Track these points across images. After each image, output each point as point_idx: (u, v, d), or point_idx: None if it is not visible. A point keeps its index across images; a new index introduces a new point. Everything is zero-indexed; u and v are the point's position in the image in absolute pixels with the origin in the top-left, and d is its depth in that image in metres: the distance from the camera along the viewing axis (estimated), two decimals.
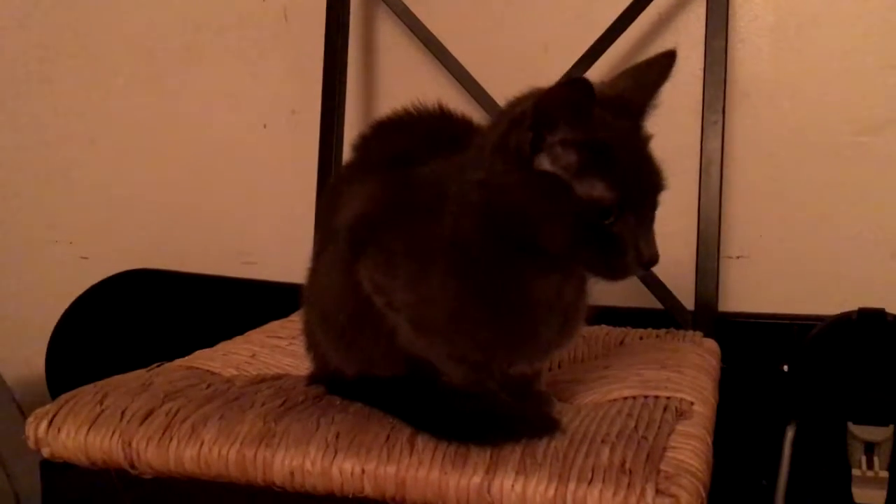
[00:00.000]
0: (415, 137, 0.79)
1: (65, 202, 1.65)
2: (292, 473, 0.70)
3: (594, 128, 0.63)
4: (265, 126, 1.51)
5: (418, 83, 1.38)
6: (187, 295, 1.55)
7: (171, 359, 0.98)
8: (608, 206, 0.63)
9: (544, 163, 0.64)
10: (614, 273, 0.66)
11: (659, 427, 0.72)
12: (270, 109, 1.50)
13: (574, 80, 0.60)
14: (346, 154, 1.08)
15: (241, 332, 1.13)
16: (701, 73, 1.18)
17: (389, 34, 1.40)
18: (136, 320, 1.56)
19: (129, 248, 1.61)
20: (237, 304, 1.52)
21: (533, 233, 0.65)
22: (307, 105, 1.38)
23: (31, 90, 1.63)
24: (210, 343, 1.07)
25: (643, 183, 0.65)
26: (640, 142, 0.67)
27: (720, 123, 1.14)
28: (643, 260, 0.64)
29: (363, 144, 0.85)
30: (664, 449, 0.68)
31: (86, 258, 1.65)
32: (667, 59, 0.70)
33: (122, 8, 1.56)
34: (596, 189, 0.63)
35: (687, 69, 1.22)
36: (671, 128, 1.21)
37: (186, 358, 0.98)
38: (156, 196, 1.60)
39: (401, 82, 1.42)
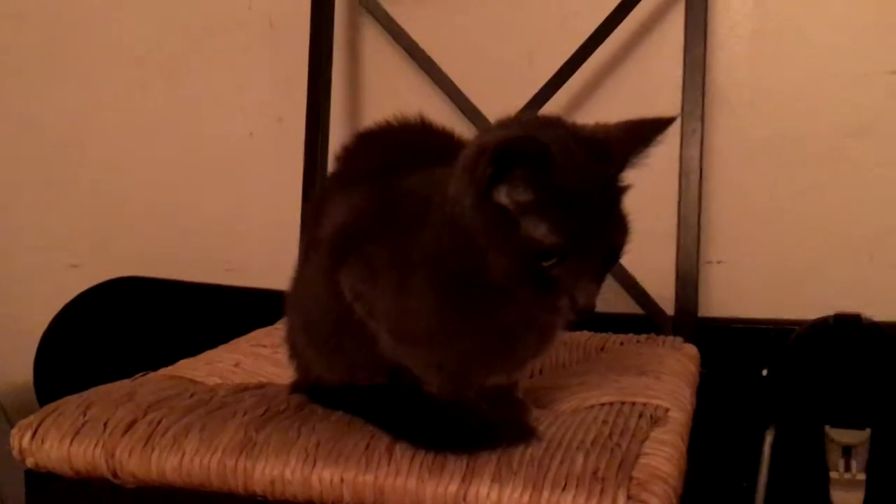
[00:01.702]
0: (396, 150, 0.80)
1: (54, 210, 1.66)
2: (273, 482, 0.72)
3: (556, 171, 0.62)
4: (251, 134, 1.53)
5: (402, 91, 1.39)
6: (175, 302, 1.56)
7: (159, 365, 0.99)
8: (549, 248, 0.63)
9: (501, 195, 0.64)
10: (546, 313, 0.67)
11: (633, 434, 0.73)
12: (257, 117, 1.52)
13: (531, 141, 0.61)
14: (332, 163, 1.10)
15: (228, 339, 1.14)
16: (681, 81, 1.20)
17: (373, 43, 1.42)
18: (124, 327, 1.57)
19: (119, 256, 1.62)
20: (224, 310, 1.53)
21: (479, 258, 0.65)
22: (293, 113, 1.39)
23: (21, 98, 1.65)
24: (198, 349, 1.08)
25: (594, 232, 0.63)
26: (604, 191, 0.64)
27: (699, 132, 1.16)
28: (576, 307, 0.63)
29: (346, 156, 0.86)
30: (637, 456, 0.69)
31: (75, 266, 1.66)
32: (664, 122, 0.68)
33: (111, 17, 1.58)
34: (539, 230, 0.62)
35: (667, 77, 1.23)
36: None
37: (170, 367, 0.99)
38: (144, 204, 1.61)
39: (385, 91, 1.43)
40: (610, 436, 0.73)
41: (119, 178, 1.62)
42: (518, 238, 0.63)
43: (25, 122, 1.65)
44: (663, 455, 0.70)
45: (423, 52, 1.30)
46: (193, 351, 1.07)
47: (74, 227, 1.66)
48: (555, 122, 0.69)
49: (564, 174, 0.63)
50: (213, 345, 1.10)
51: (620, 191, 0.67)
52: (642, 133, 0.67)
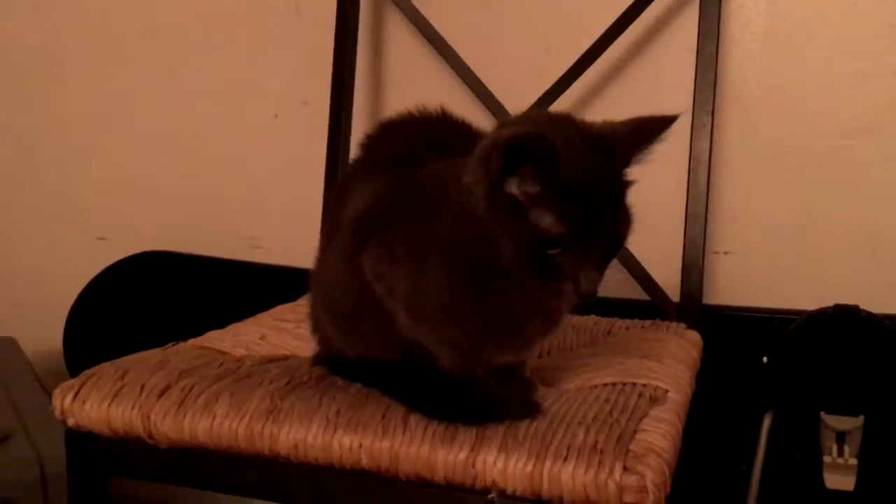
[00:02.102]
0: (417, 139, 0.85)
1: (82, 185, 1.72)
2: (296, 446, 0.77)
3: (561, 165, 0.67)
4: (276, 116, 1.57)
5: (424, 80, 1.44)
6: (200, 277, 1.62)
7: (184, 338, 1.04)
8: (554, 237, 0.67)
9: (512, 186, 0.69)
10: (551, 297, 0.71)
11: (632, 412, 0.78)
12: (282, 100, 1.56)
13: (539, 137, 0.66)
14: (354, 146, 1.15)
15: (250, 314, 1.18)
16: (693, 77, 1.23)
17: (397, 32, 1.46)
18: (150, 300, 1.63)
19: (145, 230, 1.67)
20: (247, 286, 1.58)
21: (491, 245, 0.70)
22: (317, 96, 1.43)
23: (49, 75, 1.70)
24: (221, 323, 1.12)
25: (597, 224, 0.67)
26: (607, 185, 0.69)
27: (709, 126, 1.20)
28: (580, 291, 0.68)
29: (369, 143, 0.90)
30: (635, 431, 0.74)
31: (103, 239, 1.72)
32: (667, 120, 0.72)
33: (140, 2, 1.62)
34: (546, 220, 0.67)
35: (680, 72, 1.27)
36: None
37: (199, 338, 1.04)
38: (170, 181, 1.66)
39: (407, 78, 1.47)
40: (610, 413, 0.78)
41: (147, 157, 1.67)
42: (527, 227, 0.68)
43: (54, 100, 1.70)
44: (659, 432, 0.75)
45: (445, 42, 1.34)
46: (217, 325, 1.12)
47: (103, 202, 1.71)
48: (564, 120, 0.74)
49: (570, 168, 0.67)
50: (236, 319, 1.15)
51: (624, 185, 0.71)
52: (646, 130, 0.71)
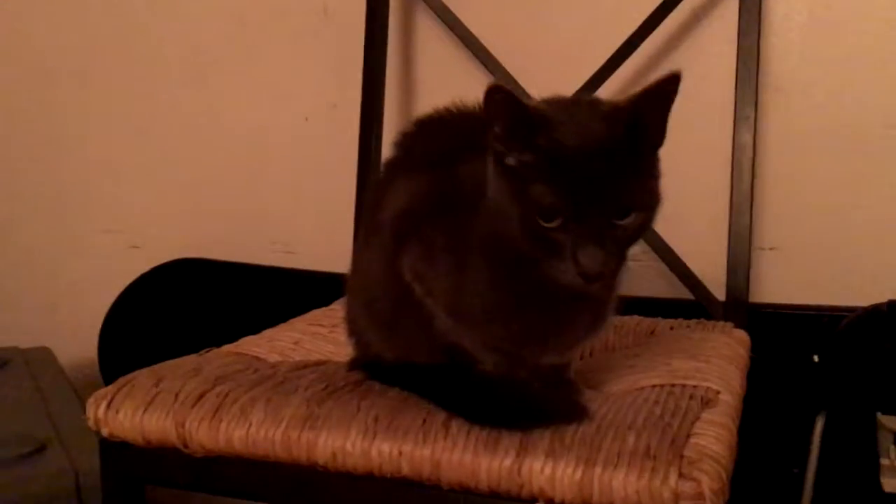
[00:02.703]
0: (455, 136, 0.82)
1: (115, 193, 1.71)
2: (334, 454, 0.75)
3: (554, 131, 0.65)
4: (307, 119, 1.55)
5: (456, 78, 1.41)
6: (233, 283, 1.60)
7: (218, 344, 1.02)
8: (547, 209, 0.65)
9: (511, 159, 0.67)
10: (557, 278, 0.67)
11: (684, 415, 0.75)
12: (312, 103, 1.54)
13: (490, 87, 0.64)
14: (386, 148, 1.13)
15: (283, 319, 1.17)
16: (734, 70, 1.20)
17: (428, 30, 1.43)
18: (184, 307, 1.62)
19: (178, 237, 1.66)
20: (280, 292, 1.57)
21: (501, 227, 0.68)
22: (347, 99, 1.41)
23: (80, 82, 1.69)
24: (255, 329, 1.11)
25: (596, 196, 0.64)
26: (613, 155, 0.65)
27: (752, 118, 1.16)
28: (579, 269, 0.64)
29: (404, 142, 0.88)
30: (688, 435, 0.71)
31: (136, 247, 1.71)
32: (672, 79, 0.66)
33: (167, 4, 1.61)
34: (538, 190, 0.65)
35: (721, 65, 1.23)
36: (704, 121, 1.24)
37: (234, 344, 1.03)
38: (202, 187, 1.65)
39: (439, 77, 1.45)
40: (661, 416, 0.74)
41: (179, 161, 1.66)
42: (526, 200, 0.66)
43: (84, 109, 1.70)
44: (714, 435, 0.71)
45: (476, 39, 1.32)
46: (252, 331, 1.10)
47: (136, 209, 1.70)
48: (581, 99, 0.73)
49: (564, 136, 0.65)
50: (271, 325, 1.13)
51: (639, 157, 0.67)
52: (651, 94, 0.66)
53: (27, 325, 1.73)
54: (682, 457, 0.67)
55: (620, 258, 0.68)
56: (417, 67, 1.46)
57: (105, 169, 1.72)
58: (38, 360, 1.54)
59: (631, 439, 0.69)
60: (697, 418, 0.75)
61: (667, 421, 0.73)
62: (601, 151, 0.65)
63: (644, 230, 0.69)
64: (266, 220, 1.62)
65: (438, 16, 1.35)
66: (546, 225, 0.65)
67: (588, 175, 0.64)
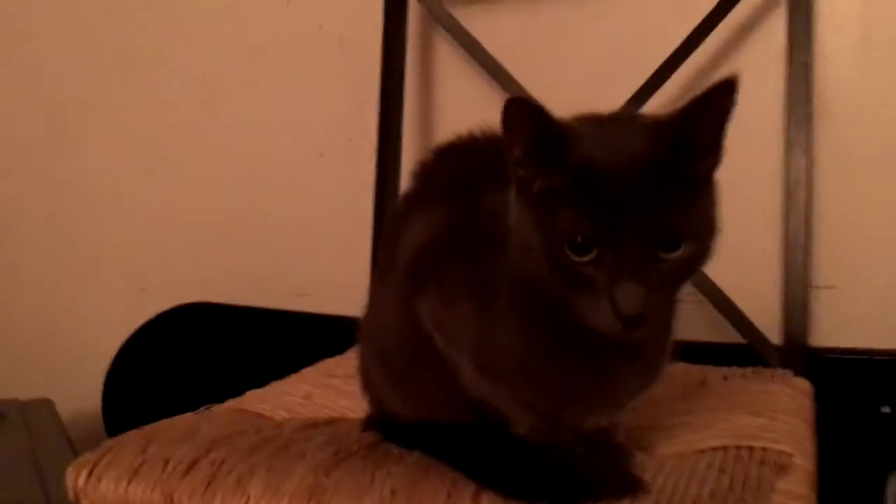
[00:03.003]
0: (479, 164, 0.73)
1: (120, 234, 1.65)
2: None
3: (583, 151, 0.56)
4: (321, 155, 1.48)
5: (478, 108, 1.32)
6: (244, 328, 1.53)
7: (230, 393, 0.95)
8: (574, 236, 0.55)
9: (535, 185, 0.58)
10: (591, 324, 0.57)
11: (758, 486, 0.64)
12: (326, 138, 1.47)
13: (509, 100, 0.57)
14: (404, 182, 1.04)
15: (299, 366, 1.10)
16: (781, 91, 1.11)
17: (448, 58, 1.35)
18: (192, 355, 1.54)
19: (186, 279, 1.59)
20: (294, 336, 1.48)
21: (526, 265, 0.59)
22: (363, 133, 1.34)
23: (87, 122, 1.64)
24: (269, 378, 1.03)
25: (631, 220, 0.54)
26: (651, 176, 0.55)
27: (804, 144, 1.06)
28: (617, 311, 0.54)
29: (423, 172, 0.80)
30: None
31: (143, 290, 1.64)
32: (724, 86, 0.56)
33: (178, 36, 1.56)
34: (564, 216, 0.56)
35: (766, 86, 1.14)
36: (751, 149, 1.14)
37: (237, 399, 0.94)
38: (212, 227, 1.58)
39: (460, 108, 1.36)
40: (730, 488, 0.63)
41: (187, 200, 1.59)
42: (552, 230, 0.56)
43: (90, 146, 1.65)
44: None
45: (498, 65, 1.23)
46: (263, 378, 1.03)
47: (142, 250, 1.64)
48: (606, 114, 0.62)
49: (597, 153, 0.56)
50: (283, 372, 1.06)
51: (688, 177, 0.57)
52: (702, 104, 0.56)
53: (28, 374, 1.66)
54: None
55: (668, 298, 0.58)
56: (437, 97, 1.38)
57: (110, 208, 1.65)
58: (38, 414, 1.47)
59: None
60: (773, 489, 0.64)
61: (738, 494, 0.62)
62: (641, 170, 0.55)
63: (698, 265, 0.58)
64: (279, 261, 1.54)
65: (458, 41, 1.26)
66: (577, 259, 0.55)
67: (625, 197, 0.55)
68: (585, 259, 0.55)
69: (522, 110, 0.56)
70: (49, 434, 1.37)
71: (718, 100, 0.56)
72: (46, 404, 1.50)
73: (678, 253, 0.56)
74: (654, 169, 0.55)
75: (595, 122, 0.60)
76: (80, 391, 1.59)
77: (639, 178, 0.55)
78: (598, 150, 0.56)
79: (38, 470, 1.19)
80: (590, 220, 0.55)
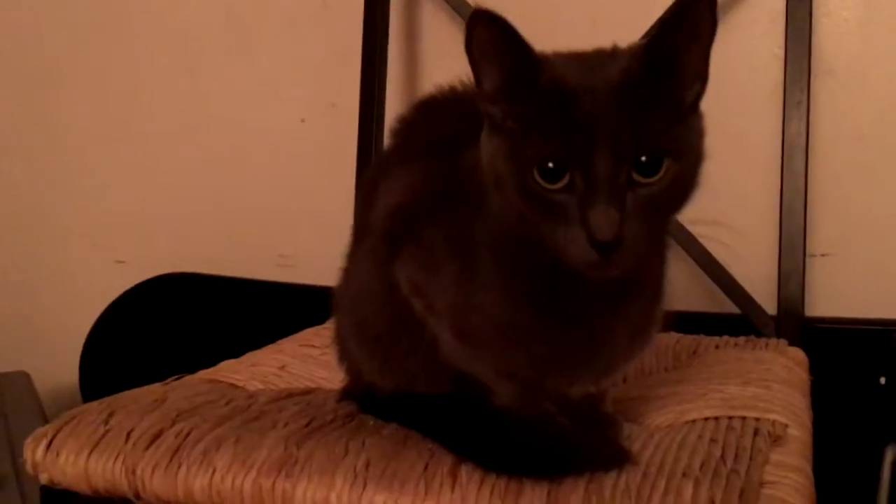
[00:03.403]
0: (461, 118, 0.69)
1: (99, 205, 1.60)
2: None
3: (560, 74, 0.53)
4: (303, 121, 1.44)
5: (465, 72, 1.26)
6: (224, 298, 1.49)
7: (209, 366, 0.91)
8: (550, 163, 0.52)
9: (508, 122, 0.55)
10: (565, 255, 0.53)
11: (751, 457, 0.61)
12: (309, 103, 1.43)
13: (474, 14, 0.53)
14: (388, 138, 1.00)
15: (279, 337, 1.06)
16: (780, 51, 1.07)
17: (433, 20, 1.31)
18: (172, 326, 1.51)
19: (165, 250, 1.55)
20: (277, 308, 1.45)
21: (498, 204, 0.56)
22: (347, 98, 1.30)
23: (63, 88, 1.59)
24: (248, 348, 1.00)
25: (602, 142, 0.51)
26: (626, 95, 0.52)
27: (805, 104, 1.02)
28: (592, 236, 0.51)
29: (403, 128, 0.75)
30: (760, 484, 0.57)
31: (121, 262, 1.59)
32: (702, 5, 0.53)
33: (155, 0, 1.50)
34: (533, 141, 0.53)
35: (765, 46, 1.10)
36: (748, 111, 1.10)
37: (210, 370, 0.90)
38: (191, 197, 1.54)
39: (445, 69, 1.29)
40: (722, 459, 0.60)
41: (165, 170, 1.55)
42: (522, 157, 0.53)
43: (69, 117, 1.60)
44: (791, 484, 0.57)
45: None
46: (244, 350, 1.00)
47: (120, 221, 1.59)
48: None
49: (569, 75, 0.53)
50: (265, 343, 1.03)
51: (664, 100, 0.53)
52: (675, 20, 0.53)
53: (4, 347, 1.61)
54: None
55: (649, 227, 0.53)
56: (422, 59, 1.34)
57: (86, 177, 1.60)
58: (13, 387, 1.43)
59: (688, 491, 0.55)
60: (767, 461, 0.61)
61: (730, 465, 0.59)
62: (615, 89, 0.52)
63: (680, 194, 0.54)
64: (261, 230, 1.50)
65: (444, 1, 1.21)
66: (549, 186, 0.52)
67: (596, 115, 0.51)
68: (557, 186, 0.52)
69: (489, 27, 0.53)
70: (24, 408, 1.34)
71: (695, 12, 0.53)
72: (22, 377, 1.47)
73: (657, 176, 0.52)
74: (628, 88, 0.52)
75: (570, 54, 0.57)
76: (57, 364, 1.56)
77: (611, 97, 0.52)
78: (571, 72, 0.54)
79: (10, 444, 1.16)
80: (560, 141, 0.52)
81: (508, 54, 0.54)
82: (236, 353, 0.99)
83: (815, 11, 1.08)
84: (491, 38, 0.54)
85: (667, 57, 0.53)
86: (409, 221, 0.66)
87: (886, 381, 1.02)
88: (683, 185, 0.54)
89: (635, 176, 0.52)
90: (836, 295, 1.13)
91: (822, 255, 1.14)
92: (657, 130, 0.52)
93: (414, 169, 0.68)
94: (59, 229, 1.62)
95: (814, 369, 0.93)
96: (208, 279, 1.50)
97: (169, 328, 1.50)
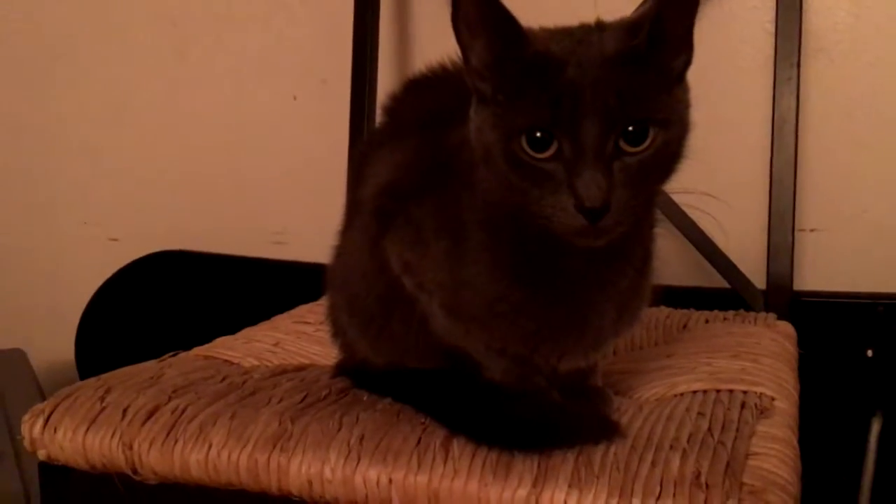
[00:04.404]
0: (451, 95, 0.69)
1: (91, 183, 1.59)
2: (310, 482, 0.62)
3: (547, 45, 0.54)
4: (295, 97, 1.43)
5: (455, 44, 1.27)
6: (218, 276, 1.49)
7: (203, 342, 0.92)
8: (537, 131, 0.52)
9: (497, 96, 0.55)
10: (553, 224, 0.54)
11: (737, 429, 0.62)
12: (300, 79, 1.42)
13: None
14: (379, 116, 1.00)
15: (273, 314, 1.07)
16: (771, 26, 1.07)
17: None
18: (166, 303, 1.51)
19: (159, 228, 1.54)
20: (271, 285, 1.45)
21: (486, 176, 0.56)
22: (338, 74, 1.29)
23: (52, 66, 1.57)
24: (242, 325, 1.00)
25: (589, 109, 0.51)
26: (613, 65, 0.53)
27: (794, 79, 1.03)
28: (579, 202, 0.51)
29: (393, 106, 0.76)
30: (746, 456, 0.57)
31: (115, 240, 1.59)
32: None
33: None
34: (520, 110, 0.53)
35: (755, 21, 1.10)
36: (738, 87, 1.10)
37: (205, 346, 0.90)
38: (184, 175, 1.53)
39: (437, 44, 1.29)
40: (710, 431, 0.61)
41: (158, 147, 1.54)
42: (509, 125, 0.54)
43: (61, 95, 1.58)
44: (776, 455, 0.58)
45: None
46: (238, 327, 1.00)
47: (113, 199, 1.58)
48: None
49: (556, 46, 0.54)
50: (259, 321, 1.03)
51: (653, 69, 0.54)
52: None
53: None
54: (742, 485, 0.54)
55: (636, 196, 0.53)
56: (414, 34, 1.33)
57: (78, 155, 1.59)
58: (10, 364, 1.44)
59: (675, 462, 0.56)
60: (753, 433, 0.62)
61: (717, 438, 0.60)
62: (602, 58, 0.53)
63: (667, 163, 0.55)
64: (254, 207, 1.50)
65: None
66: (536, 155, 0.53)
67: (584, 83, 0.52)
68: (545, 154, 0.53)
69: (474, 1, 0.54)
70: (21, 385, 1.34)
71: None
72: (18, 354, 1.47)
73: (644, 144, 0.53)
74: (616, 58, 0.53)
75: (555, 29, 0.58)
76: (53, 341, 1.56)
77: (599, 67, 0.53)
78: (557, 43, 0.54)
79: (6, 420, 1.16)
80: (547, 109, 0.52)
81: (494, 27, 0.54)
82: (230, 329, 0.99)
83: None
84: (476, 12, 0.54)
85: (655, 28, 0.53)
86: (399, 198, 0.66)
87: (873, 353, 1.04)
88: (670, 154, 0.55)
89: (622, 144, 0.53)
90: (824, 269, 1.14)
91: (812, 231, 1.15)
92: (645, 99, 0.53)
93: (404, 146, 0.68)
94: (53, 207, 1.61)
95: (802, 342, 0.94)
96: (202, 257, 1.50)
97: (163, 305, 1.50)
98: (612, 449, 0.58)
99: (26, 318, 1.64)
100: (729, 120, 1.10)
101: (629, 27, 0.54)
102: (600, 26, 0.56)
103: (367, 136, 0.77)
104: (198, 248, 1.50)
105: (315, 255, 1.38)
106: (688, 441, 0.59)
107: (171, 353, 0.87)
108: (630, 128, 0.52)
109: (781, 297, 1.02)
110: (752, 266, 1.06)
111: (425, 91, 0.73)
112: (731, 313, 0.99)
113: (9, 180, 1.64)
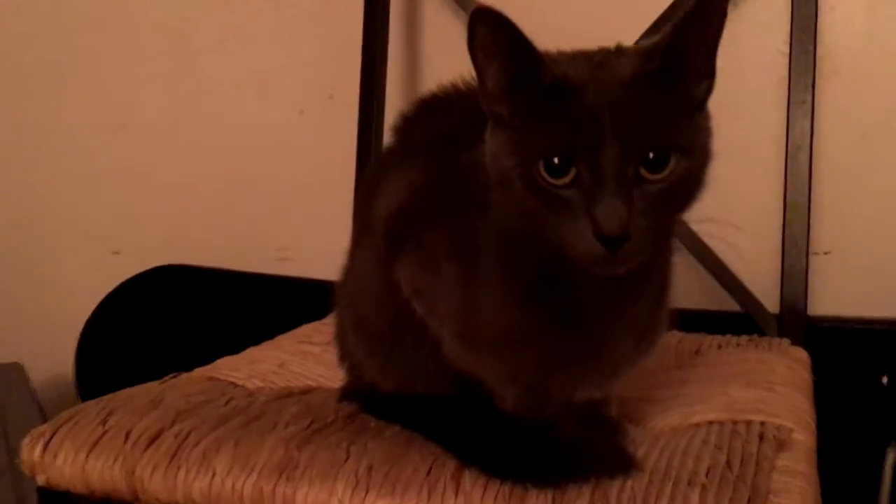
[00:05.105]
0: (463, 116, 0.68)
1: (95, 195, 1.58)
2: None
3: (565, 70, 0.53)
4: (301, 112, 1.42)
5: (466, 63, 1.25)
6: (221, 291, 1.48)
7: (206, 360, 0.90)
8: (555, 156, 0.51)
9: (513, 120, 0.54)
10: (571, 252, 0.52)
11: (757, 463, 0.60)
12: (307, 94, 1.41)
13: (475, 12, 0.53)
14: (388, 135, 0.98)
15: (278, 331, 1.05)
16: (785, 48, 1.06)
17: (434, 8, 1.29)
18: (168, 317, 1.49)
19: (162, 242, 1.53)
20: (273, 301, 1.44)
21: (502, 202, 0.55)
22: (346, 89, 1.28)
23: (57, 78, 1.56)
24: (247, 343, 0.99)
25: (609, 136, 0.50)
26: (634, 90, 0.52)
27: (809, 103, 1.01)
28: (598, 230, 0.50)
29: (404, 126, 0.74)
30: (767, 493, 0.56)
31: (117, 253, 1.58)
32: (714, 4, 0.52)
33: None
34: (535, 136, 0.52)
35: (769, 43, 1.08)
36: (752, 109, 1.09)
37: (208, 367, 0.89)
38: (188, 187, 1.52)
39: (447, 61, 1.28)
40: (728, 465, 0.59)
41: (163, 161, 1.53)
42: (526, 150, 0.52)
43: (65, 108, 1.57)
44: (798, 491, 0.57)
45: None
46: (242, 345, 0.98)
47: (115, 212, 1.57)
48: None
49: (572, 72, 0.53)
50: (263, 338, 1.02)
51: (672, 96, 0.53)
52: (689, 17, 0.52)
53: None
54: None
55: (655, 224, 0.52)
56: (422, 50, 1.32)
57: (82, 167, 1.58)
58: (7, 379, 1.43)
59: (694, 499, 0.55)
60: (773, 467, 0.60)
61: (736, 472, 0.58)
62: (622, 84, 0.52)
63: (687, 192, 0.54)
64: (259, 223, 1.49)
65: None
66: (554, 181, 0.51)
67: (603, 109, 0.51)
68: (563, 181, 0.52)
69: (491, 25, 0.52)
70: (19, 399, 1.33)
71: (705, 12, 0.52)
72: (16, 369, 1.47)
73: (665, 172, 0.52)
74: (637, 84, 0.52)
75: (573, 52, 0.57)
76: (51, 356, 1.54)
77: (620, 92, 0.52)
78: (576, 68, 0.53)
79: (4, 435, 1.15)
80: (566, 135, 0.51)
81: (511, 52, 0.53)
82: (233, 346, 0.98)
83: (820, 8, 1.07)
84: (493, 36, 0.53)
85: (677, 54, 0.52)
86: (410, 221, 0.65)
87: (889, 380, 1.02)
88: (691, 182, 0.53)
89: (643, 172, 0.51)
90: (838, 294, 1.12)
91: (825, 254, 1.13)
92: (666, 126, 0.52)
93: (415, 167, 0.67)
94: (55, 219, 1.60)
95: (816, 368, 0.92)
96: (205, 271, 1.48)
97: (165, 320, 1.48)
98: (629, 483, 0.57)
99: (25, 331, 1.62)
100: (742, 142, 1.08)
101: (646, 52, 0.53)
102: (619, 51, 0.55)
103: (378, 157, 0.76)
104: (201, 263, 1.49)
105: (320, 272, 1.37)
106: (706, 475, 0.57)
107: (172, 375, 0.85)
108: (651, 154, 0.51)
109: (795, 322, 1.00)
110: (766, 290, 1.04)
111: (437, 112, 0.72)
112: (744, 338, 0.97)
113: (10, 192, 1.63)
